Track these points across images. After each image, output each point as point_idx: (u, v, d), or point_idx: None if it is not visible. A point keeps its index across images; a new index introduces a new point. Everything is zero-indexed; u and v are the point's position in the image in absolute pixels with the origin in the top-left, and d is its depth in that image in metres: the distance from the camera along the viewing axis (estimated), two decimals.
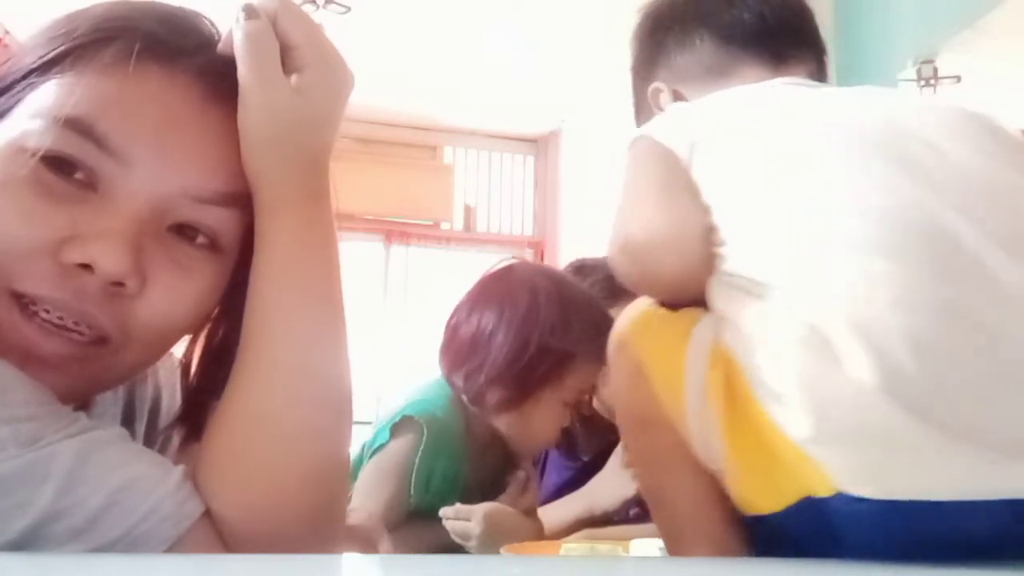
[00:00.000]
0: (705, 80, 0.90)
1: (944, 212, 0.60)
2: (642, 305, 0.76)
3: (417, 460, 1.25)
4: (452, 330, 1.34)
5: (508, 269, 1.38)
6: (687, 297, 0.71)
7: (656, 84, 0.94)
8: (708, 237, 0.69)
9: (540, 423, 1.31)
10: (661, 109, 0.92)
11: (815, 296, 0.60)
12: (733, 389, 0.64)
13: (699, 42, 0.92)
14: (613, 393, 0.80)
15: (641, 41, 1.00)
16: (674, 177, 0.73)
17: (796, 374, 0.59)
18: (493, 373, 1.26)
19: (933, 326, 0.56)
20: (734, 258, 0.67)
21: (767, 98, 0.79)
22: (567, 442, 1.55)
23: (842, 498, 0.57)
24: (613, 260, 0.75)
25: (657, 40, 0.96)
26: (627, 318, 0.76)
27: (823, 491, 0.58)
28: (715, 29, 0.91)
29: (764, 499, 0.62)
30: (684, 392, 0.67)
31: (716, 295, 0.68)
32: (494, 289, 1.33)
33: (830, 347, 0.57)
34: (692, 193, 0.72)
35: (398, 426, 1.28)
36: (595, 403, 1.49)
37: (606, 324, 1.30)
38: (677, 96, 0.92)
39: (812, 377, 0.58)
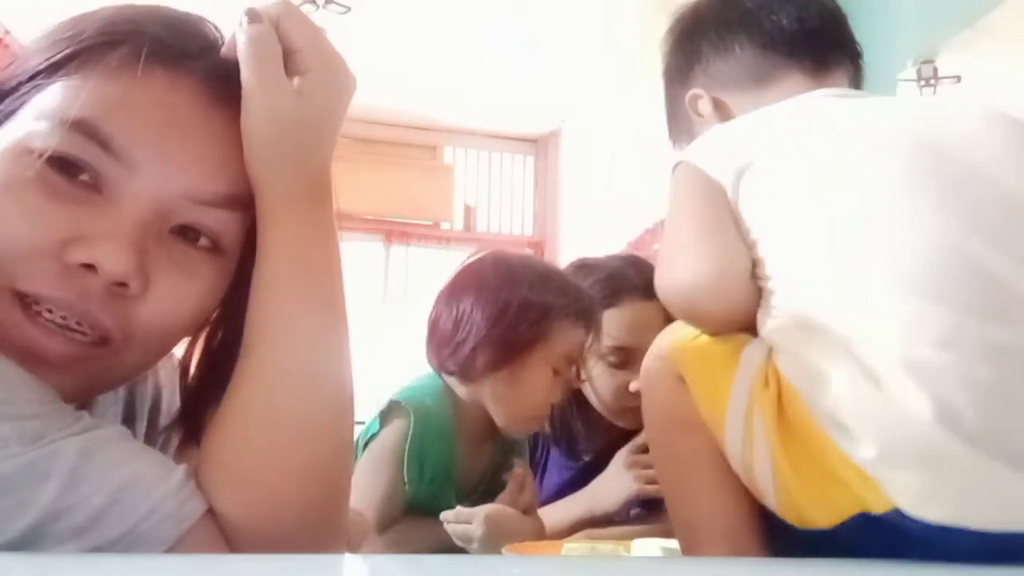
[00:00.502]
0: (746, 88, 0.89)
1: (988, 252, 0.61)
2: (685, 328, 0.77)
3: (407, 445, 1.25)
4: (433, 322, 1.35)
5: (479, 259, 1.39)
6: (732, 329, 0.73)
7: (695, 90, 0.92)
8: (753, 276, 0.71)
9: (529, 390, 1.30)
10: (700, 115, 0.91)
11: (866, 333, 0.61)
12: (786, 408, 0.65)
13: (738, 49, 0.90)
14: (645, 393, 0.80)
15: (674, 46, 0.97)
16: (717, 214, 0.73)
17: (854, 404, 0.60)
18: (478, 338, 1.27)
19: (982, 365, 0.57)
20: (782, 293, 0.68)
21: (811, 118, 0.77)
22: (567, 442, 1.56)
23: (898, 515, 0.58)
24: (660, 295, 0.78)
25: (693, 45, 0.94)
26: (670, 336, 0.78)
27: (879, 508, 0.59)
28: (755, 36, 0.89)
29: (818, 514, 0.63)
30: (727, 411, 0.69)
31: (766, 325, 0.69)
32: (468, 276, 1.35)
33: (884, 382, 0.59)
34: (737, 230, 0.73)
35: (386, 413, 1.30)
36: (593, 400, 1.50)
37: (582, 292, 1.34)
38: (717, 103, 0.90)
39: (870, 407, 0.59)
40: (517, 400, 1.31)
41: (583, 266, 1.57)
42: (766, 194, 0.72)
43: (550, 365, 1.31)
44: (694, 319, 0.76)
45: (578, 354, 1.35)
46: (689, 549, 0.74)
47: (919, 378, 0.58)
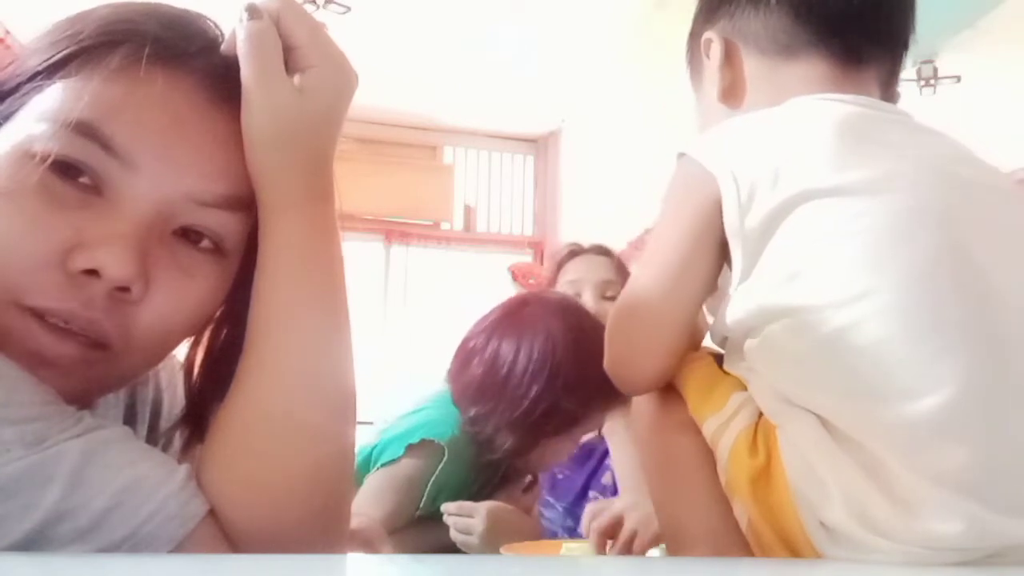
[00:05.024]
0: (765, 51, 0.81)
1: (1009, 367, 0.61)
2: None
3: (433, 479, 1.25)
4: (463, 361, 1.33)
5: (523, 304, 1.36)
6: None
7: (709, 34, 0.84)
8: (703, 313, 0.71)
9: (548, 458, 1.34)
10: (708, 59, 0.84)
11: (901, 453, 0.61)
12: (773, 479, 0.65)
13: (774, 3, 0.81)
14: (637, 398, 0.81)
15: None
16: (701, 243, 0.71)
17: (868, 522, 0.60)
18: (503, 422, 1.26)
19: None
20: (776, 375, 0.68)
21: (827, 154, 0.68)
22: None
23: None
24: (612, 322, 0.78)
25: None
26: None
27: None
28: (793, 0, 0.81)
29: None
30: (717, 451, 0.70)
31: (759, 395, 0.69)
32: (506, 329, 1.31)
33: (914, 505, 0.59)
34: (709, 265, 0.72)
35: (415, 446, 1.27)
36: None
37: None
38: (730, 50, 0.82)
39: (889, 527, 0.60)
40: (534, 466, 1.35)
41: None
42: (769, 262, 0.67)
43: (572, 442, 1.32)
44: (617, 372, 0.78)
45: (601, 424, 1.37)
46: (674, 549, 0.74)
47: (951, 504, 0.58)
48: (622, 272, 1.75)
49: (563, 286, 1.71)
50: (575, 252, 1.81)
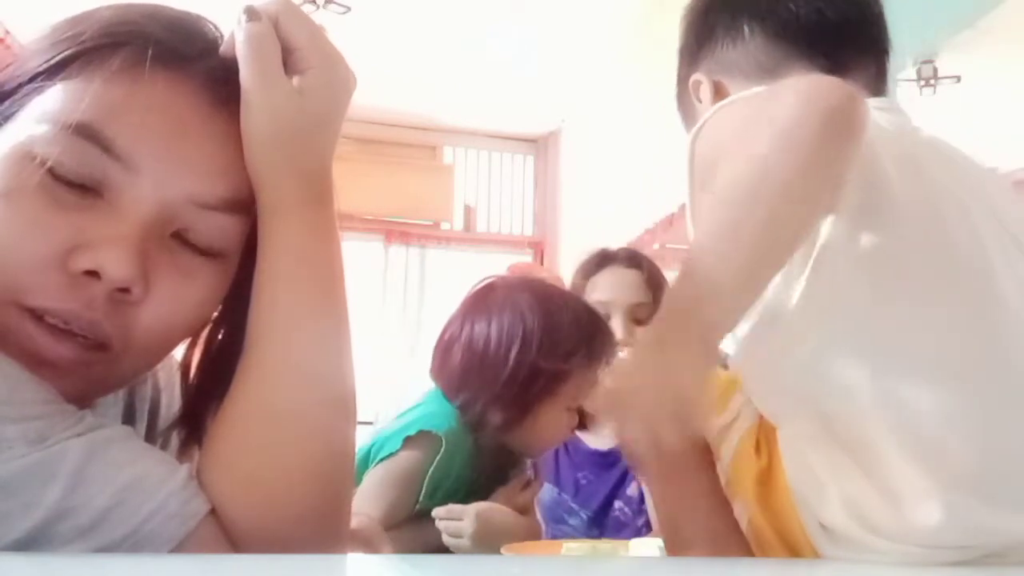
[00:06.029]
0: (751, 77, 0.82)
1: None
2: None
3: (432, 470, 1.26)
4: (444, 352, 1.35)
5: (489, 288, 1.38)
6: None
7: (697, 76, 0.86)
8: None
9: (546, 432, 1.33)
10: (700, 101, 0.86)
11: (872, 436, 0.61)
12: (774, 478, 0.66)
13: (748, 34, 0.83)
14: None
15: (690, 24, 0.91)
16: None
17: (865, 521, 0.61)
18: (489, 398, 1.28)
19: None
20: (776, 377, 0.68)
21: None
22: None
23: None
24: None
25: (707, 25, 0.88)
26: None
27: None
28: (767, 22, 0.83)
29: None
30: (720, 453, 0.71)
31: (770, 403, 0.69)
32: (477, 312, 1.34)
33: (906, 503, 0.60)
34: None
35: (413, 438, 1.27)
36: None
37: (594, 328, 1.33)
38: (718, 88, 0.84)
39: (882, 524, 0.60)
40: (534, 441, 1.34)
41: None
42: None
43: (564, 408, 1.32)
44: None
45: (592, 387, 1.36)
46: (674, 549, 0.74)
47: (950, 504, 0.58)
48: (652, 286, 1.62)
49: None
50: (605, 260, 1.70)
